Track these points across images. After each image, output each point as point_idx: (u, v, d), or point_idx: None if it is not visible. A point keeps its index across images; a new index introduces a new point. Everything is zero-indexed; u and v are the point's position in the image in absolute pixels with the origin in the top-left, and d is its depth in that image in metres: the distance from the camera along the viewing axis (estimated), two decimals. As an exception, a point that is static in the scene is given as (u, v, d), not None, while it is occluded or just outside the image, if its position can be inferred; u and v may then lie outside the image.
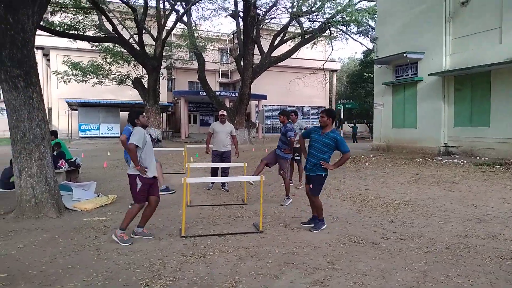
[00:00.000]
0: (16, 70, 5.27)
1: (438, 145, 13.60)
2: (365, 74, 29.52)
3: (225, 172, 7.64)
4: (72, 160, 8.19)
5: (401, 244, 4.21)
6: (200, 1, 20.30)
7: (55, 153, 7.61)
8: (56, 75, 21.88)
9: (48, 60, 28.39)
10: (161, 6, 19.87)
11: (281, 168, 6.37)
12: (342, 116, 20.37)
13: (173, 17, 21.12)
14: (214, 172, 7.65)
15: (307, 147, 4.89)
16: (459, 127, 13.14)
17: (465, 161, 11.42)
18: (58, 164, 7.28)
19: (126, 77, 22.00)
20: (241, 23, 20.18)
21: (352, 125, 28.64)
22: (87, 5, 16.67)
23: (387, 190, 7.45)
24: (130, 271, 3.41)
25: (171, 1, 19.87)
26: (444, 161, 11.78)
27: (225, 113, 7.73)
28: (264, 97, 29.70)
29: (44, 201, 5.33)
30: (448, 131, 13.50)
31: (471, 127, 12.72)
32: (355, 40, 24.44)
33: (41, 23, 16.62)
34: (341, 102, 24.04)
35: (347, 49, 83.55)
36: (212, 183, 7.63)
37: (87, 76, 21.32)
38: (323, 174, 4.70)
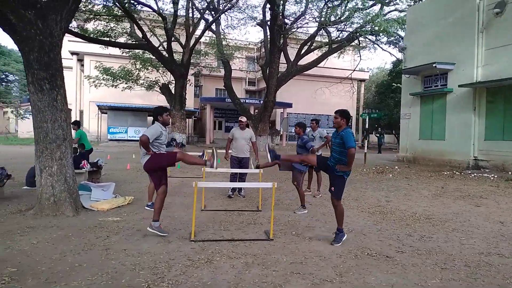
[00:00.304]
0: (43, 73, 5.45)
1: (467, 158, 13.05)
2: (394, 84, 28.88)
3: (242, 178, 7.54)
4: (95, 161, 8.41)
5: (417, 259, 4.02)
6: (229, 11, 20.57)
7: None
8: (88, 79, 22.73)
9: (82, 65, 29.54)
10: (190, 15, 20.31)
11: (295, 179, 6.27)
12: (367, 126, 19.95)
13: (201, 25, 21.52)
14: (233, 178, 7.48)
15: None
16: (490, 140, 12.57)
17: (496, 176, 10.88)
18: (80, 165, 7.48)
19: (154, 82, 22.54)
20: (268, 32, 20.25)
21: (378, 135, 28.06)
22: (119, 13, 17.27)
23: (409, 203, 7.18)
24: (134, 272, 3.42)
25: (201, 10, 20.26)
26: (472, 175, 11.27)
27: (244, 119, 7.58)
28: (289, 105, 29.59)
29: (62, 200, 5.47)
30: (478, 144, 12.95)
31: (503, 141, 12.15)
32: (384, 50, 24.09)
33: (77, 30, 17.40)
34: (366, 112, 23.54)
35: (377, 59, 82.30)
36: (233, 191, 7.49)
37: (117, 81, 22.02)
38: (345, 176, 4.59)
